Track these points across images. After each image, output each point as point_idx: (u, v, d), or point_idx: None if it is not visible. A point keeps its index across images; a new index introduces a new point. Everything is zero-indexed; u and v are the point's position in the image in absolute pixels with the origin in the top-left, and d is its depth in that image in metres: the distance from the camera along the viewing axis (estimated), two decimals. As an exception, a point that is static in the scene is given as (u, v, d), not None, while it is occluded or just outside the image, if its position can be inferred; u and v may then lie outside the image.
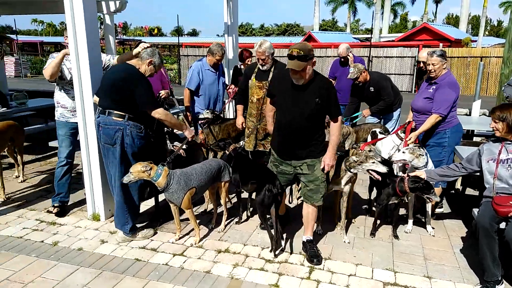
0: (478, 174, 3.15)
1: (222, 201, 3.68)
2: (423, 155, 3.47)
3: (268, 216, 3.25)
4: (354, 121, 5.34)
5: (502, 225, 2.73)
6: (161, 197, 3.84)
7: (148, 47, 3.39)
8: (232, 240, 3.49)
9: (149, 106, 3.21)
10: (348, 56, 5.67)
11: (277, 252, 3.22)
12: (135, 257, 3.17)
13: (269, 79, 3.83)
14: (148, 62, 3.25)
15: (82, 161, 3.76)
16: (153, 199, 3.97)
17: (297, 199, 4.32)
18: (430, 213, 3.69)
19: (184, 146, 3.68)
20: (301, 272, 3.01)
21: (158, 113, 3.23)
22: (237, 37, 6.53)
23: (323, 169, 3.06)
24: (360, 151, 3.34)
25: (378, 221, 3.72)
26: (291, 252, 3.28)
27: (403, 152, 3.49)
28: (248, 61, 5.47)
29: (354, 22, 57.43)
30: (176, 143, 3.95)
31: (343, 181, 3.39)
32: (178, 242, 3.44)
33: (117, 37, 31.97)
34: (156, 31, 46.63)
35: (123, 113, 3.17)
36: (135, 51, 3.42)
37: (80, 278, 2.89)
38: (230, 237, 3.55)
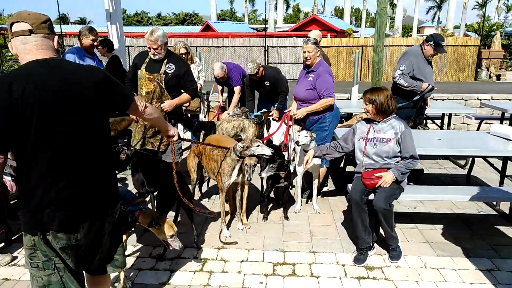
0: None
1: None
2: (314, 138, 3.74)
3: None
4: (254, 115, 5.33)
5: (371, 197, 3.05)
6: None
7: None
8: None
9: None
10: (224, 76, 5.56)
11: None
12: (3, 277, 2.78)
13: (161, 71, 3.64)
14: None
15: None
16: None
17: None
18: (316, 191, 3.96)
19: (9, 177, 2.87)
20: (194, 265, 2.97)
21: None
22: (121, 26, 6.13)
23: None
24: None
25: (270, 205, 3.86)
26: (184, 247, 3.21)
27: (305, 136, 3.64)
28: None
29: (252, 12, 58.80)
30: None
31: (235, 172, 3.26)
32: (57, 252, 3.10)
33: (-14, 26, 27.62)
34: (36, 18, 41.36)
35: None
36: None
37: None
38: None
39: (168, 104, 3.64)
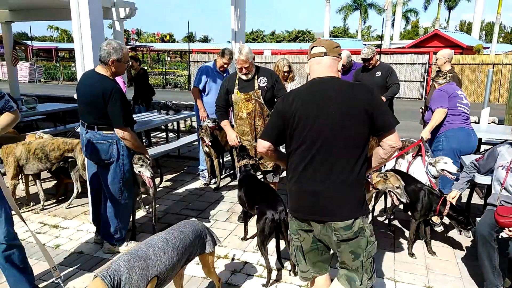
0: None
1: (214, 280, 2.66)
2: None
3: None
4: None
5: (503, 234, 2.67)
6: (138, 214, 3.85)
7: None
8: (232, 246, 3.48)
9: (116, 123, 2.99)
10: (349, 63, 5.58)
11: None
12: (134, 262, 3.18)
13: (256, 88, 3.56)
14: (110, 62, 2.96)
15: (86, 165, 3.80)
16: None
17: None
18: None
19: (149, 174, 3.27)
20: (299, 279, 2.98)
21: (124, 133, 3.03)
22: (244, 44, 6.57)
23: None
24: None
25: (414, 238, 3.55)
26: (289, 259, 3.25)
27: (445, 163, 3.40)
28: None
29: (365, 28, 57.38)
30: (141, 168, 3.29)
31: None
32: (178, 247, 3.43)
33: (129, 43, 32.55)
34: (168, 37, 47.22)
35: (111, 126, 3.02)
36: None
37: (79, 282, 2.91)
38: (230, 243, 3.54)
39: None
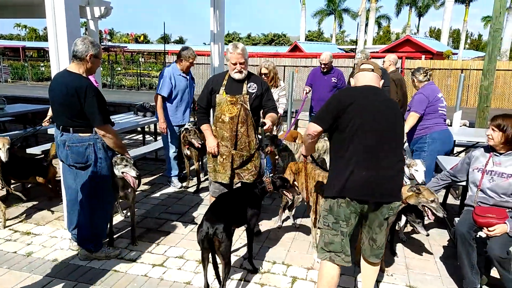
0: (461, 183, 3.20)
1: None
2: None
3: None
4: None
5: (481, 234, 2.75)
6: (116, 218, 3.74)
7: None
8: (214, 250, 3.42)
9: (96, 120, 2.86)
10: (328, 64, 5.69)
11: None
12: (112, 268, 3.07)
13: (243, 92, 3.27)
14: (88, 57, 2.88)
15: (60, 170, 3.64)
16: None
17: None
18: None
19: (134, 173, 3.16)
20: (283, 282, 2.97)
21: (106, 129, 2.93)
22: (223, 46, 6.50)
23: None
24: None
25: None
26: (274, 262, 3.23)
27: (416, 170, 3.44)
28: None
29: (340, 33, 58.45)
30: (124, 168, 3.16)
31: None
32: (158, 252, 3.35)
33: (102, 44, 31.78)
34: (142, 38, 46.44)
35: (88, 128, 2.93)
36: None
37: (54, 291, 2.78)
38: (212, 247, 3.48)
39: (270, 125, 3.23)
